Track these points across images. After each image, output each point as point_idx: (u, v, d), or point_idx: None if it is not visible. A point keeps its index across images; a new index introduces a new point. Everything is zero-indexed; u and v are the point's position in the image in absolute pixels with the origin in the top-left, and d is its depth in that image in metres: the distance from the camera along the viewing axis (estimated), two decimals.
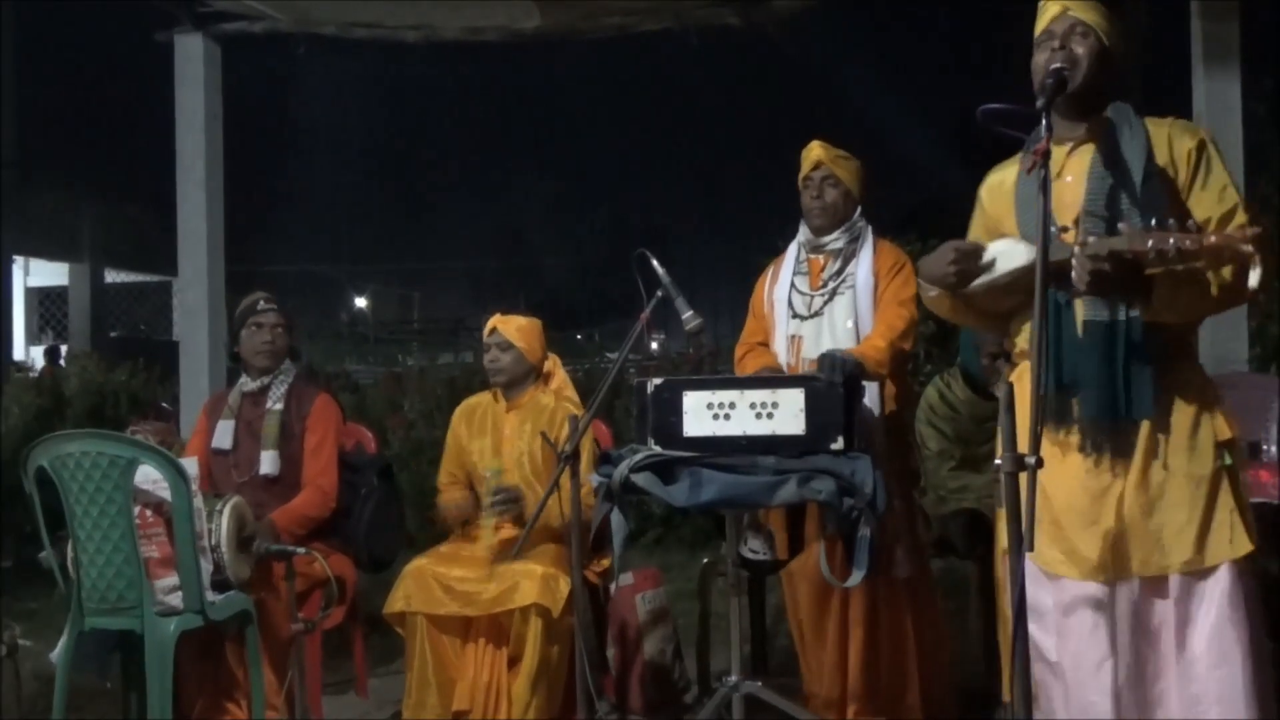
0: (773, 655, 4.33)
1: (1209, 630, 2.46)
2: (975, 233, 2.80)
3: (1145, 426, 2.50)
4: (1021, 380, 2.54)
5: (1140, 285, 2.39)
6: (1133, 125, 2.55)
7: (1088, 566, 2.51)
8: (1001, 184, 2.73)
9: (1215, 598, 2.47)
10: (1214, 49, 5.29)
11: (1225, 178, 2.53)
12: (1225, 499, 2.50)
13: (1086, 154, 2.58)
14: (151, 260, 17.13)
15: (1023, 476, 2.16)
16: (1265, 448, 3.84)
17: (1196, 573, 2.47)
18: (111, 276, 18.29)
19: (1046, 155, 2.32)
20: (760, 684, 3.46)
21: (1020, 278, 2.54)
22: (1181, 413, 2.52)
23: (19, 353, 15.28)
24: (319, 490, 4.03)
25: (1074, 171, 2.58)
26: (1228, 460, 2.52)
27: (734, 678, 3.42)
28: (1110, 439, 2.51)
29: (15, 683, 3.96)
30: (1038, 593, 2.55)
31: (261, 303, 4.18)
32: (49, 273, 18.29)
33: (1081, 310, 2.50)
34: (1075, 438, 2.55)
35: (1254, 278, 2.23)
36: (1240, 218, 2.48)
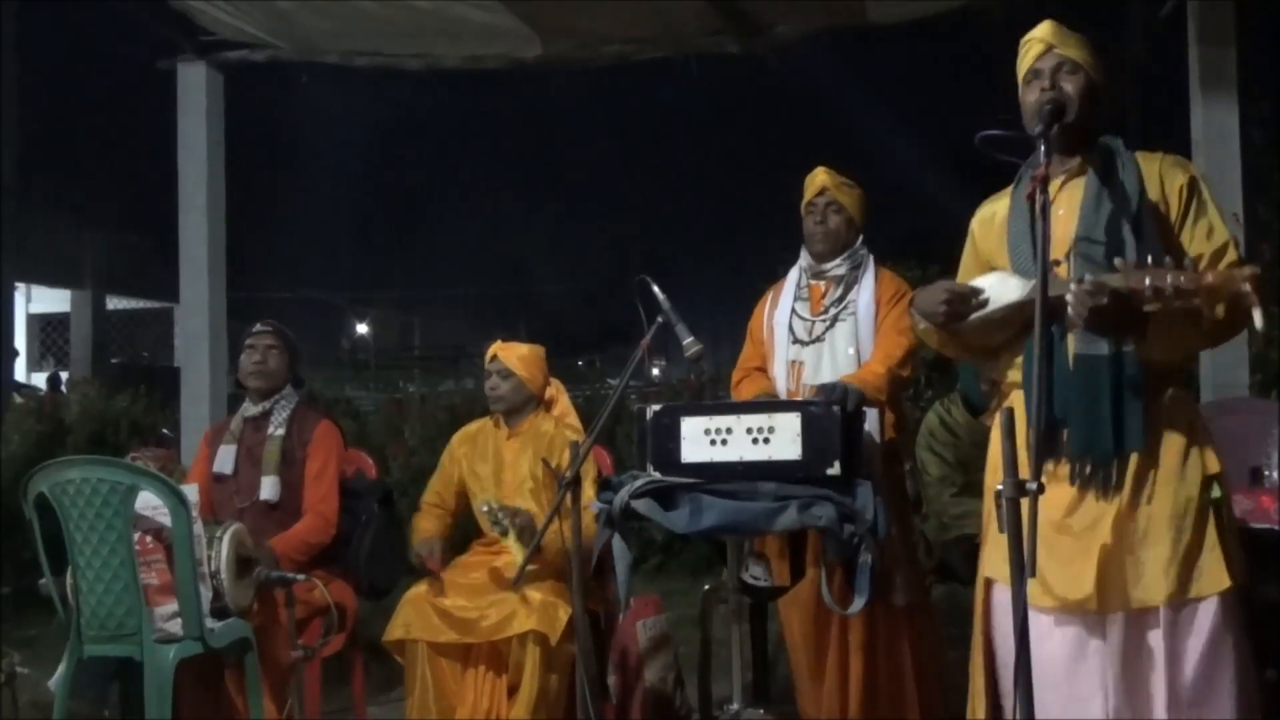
0: (775, 683, 4.31)
1: (1198, 662, 2.45)
2: (966, 265, 2.81)
3: (1134, 459, 2.50)
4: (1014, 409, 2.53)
5: (1136, 322, 2.39)
6: (1124, 160, 2.57)
7: (1075, 599, 2.50)
8: (993, 217, 2.74)
9: (1204, 630, 2.46)
10: (1211, 75, 5.30)
11: (1216, 215, 2.55)
12: (1211, 534, 2.49)
13: (1078, 188, 2.59)
14: (153, 287, 17.15)
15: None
16: (1267, 473, 3.83)
17: (1183, 605, 2.46)
18: (113, 303, 18.33)
19: (1046, 181, 2.33)
20: (762, 712, 3.45)
21: (1014, 313, 2.55)
22: (1170, 446, 2.52)
23: (20, 379, 15.27)
24: (320, 517, 4.03)
25: (1066, 205, 2.59)
26: (1216, 493, 2.51)
27: (735, 705, 3.40)
28: (1098, 472, 2.51)
29: (13, 711, 3.95)
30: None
31: (259, 325, 4.21)
32: (51, 299, 18.32)
33: (1073, 344, 2.51)
34: (1064, 469, 2.55)
35: (1258, 318, 2.23)
36: (1231, 254, 2.49)
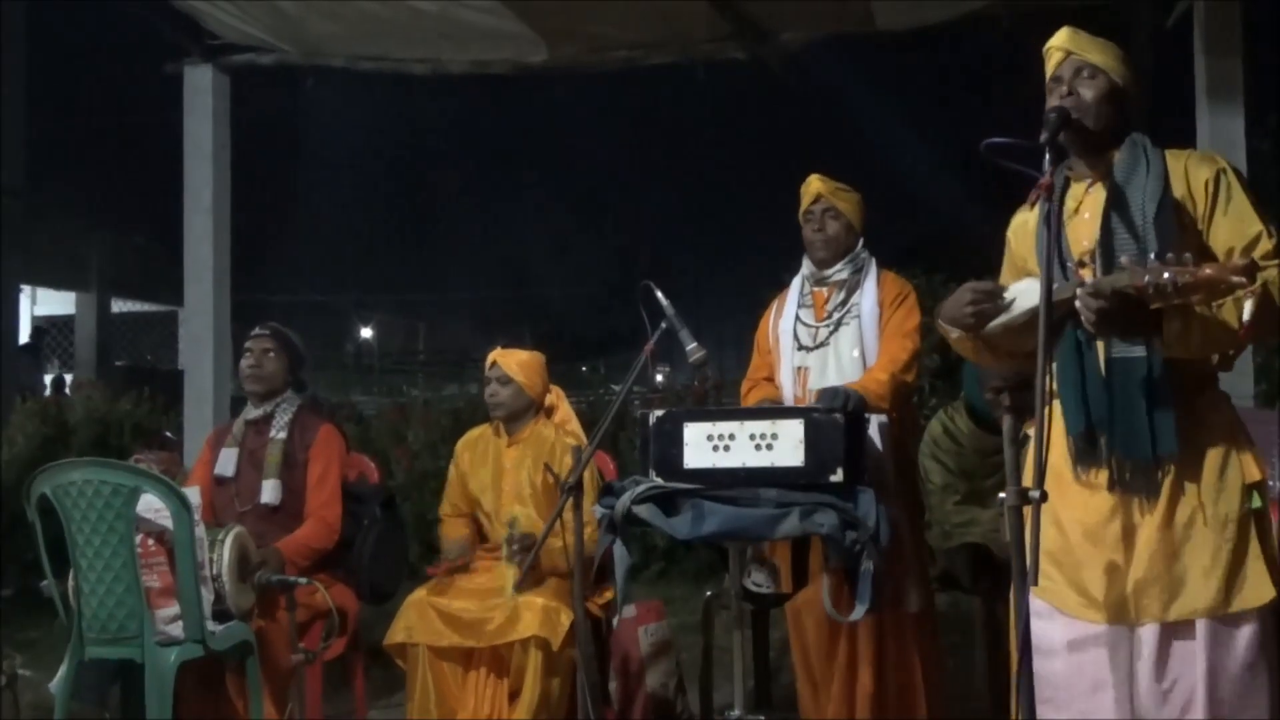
0: (776, 690, 4.31)
1: (1236, 676, 2.41)
2: (1006, 273, 2.78)
3: (1172, 467, 2.44)
4: (1052, 420, 2.49)
5: (1147, 321, 2.36)
6: (1150, 158, 2.51)
7: (1109, 608, 2.46)
8: (1025, 224, 2.71)
9: (1242, 643, 2.42)
10: (1218, 86, 5.30)
11: (1247, 205, 2.48)
12: (1253, 543, 2.44)
13: (1102, 190, 2.55)
14: (158, 290, 17.19)
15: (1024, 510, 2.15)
16: (1271, 484, 3.81)
17: (1223, 618, 2.42)
18: (118, 306, 18.35)
19: (1051, 190, 2.32)
20: (763, 718, 3.44)
21: (1037, 317, 2.53)
22: (1209, 453, 2.46)
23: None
24: (322, 522, 4.02)
25: (1090, 208, 2.56)
26: (1256, 502, 2.46)
27: (737, 712, 3.39)
28: (1137, 479, 2.46)
29: (14, 712, 3.95)
30: (1051, 632, 2.51)
31: (258, 329, 4.21)
32: (56, 302, 18.34)
33: (1104, 348, 2.47)
34: (1103, 477, 2.49)
35: (1247, 310, 2.19)
36: (1265, 244, 2.43)
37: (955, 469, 4.26)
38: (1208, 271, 2.16)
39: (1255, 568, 2.43)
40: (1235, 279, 2.15)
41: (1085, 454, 2.50)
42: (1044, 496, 2.13)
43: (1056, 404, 2.55)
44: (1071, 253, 2.54)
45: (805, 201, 3.89)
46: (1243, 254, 2.39)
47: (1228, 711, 2.41)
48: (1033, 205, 2.35)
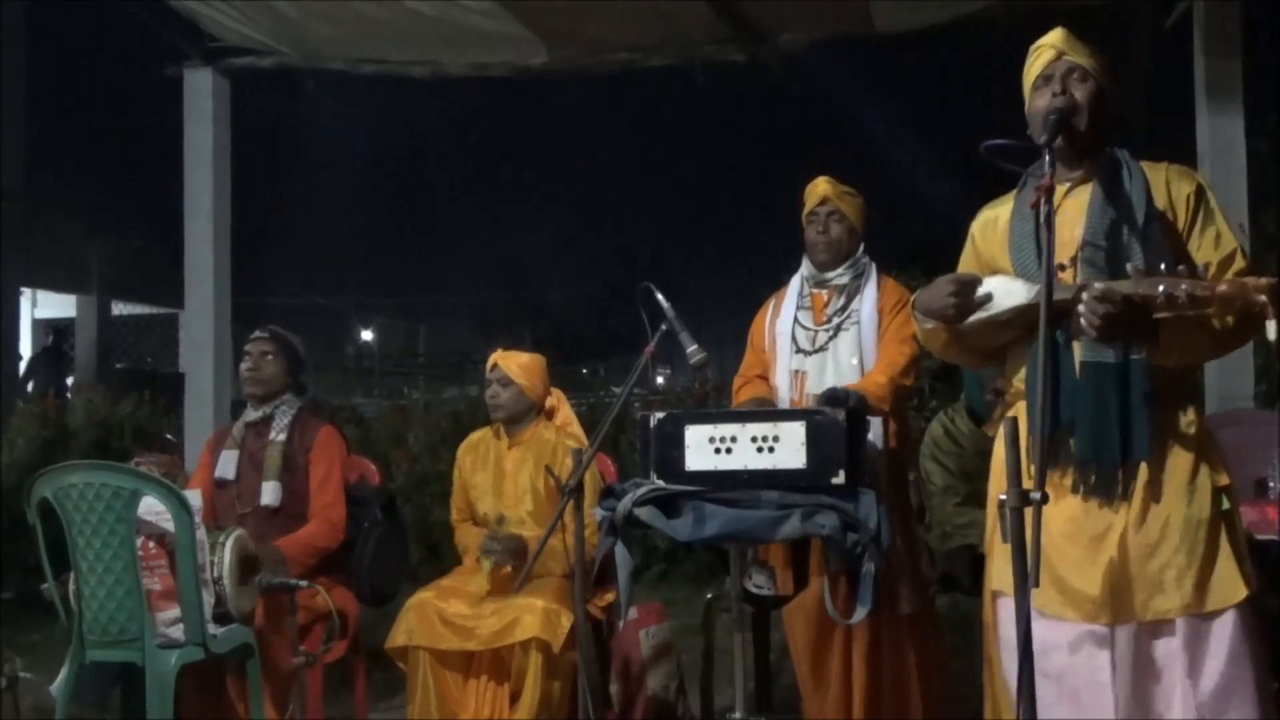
0: (777, 692, 4.30)
1: (1217, 673, 2.44)
2: (966, 268, 2.80)
3: (1144, 469, 2.48)
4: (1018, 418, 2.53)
5: (1147, 329, 2.39)
6: (1131, 168, 2.57)
7: (1086, 608, 2.50)
8: (995, 221, 2.73)
9: (1222, 641, 2.45)
10: (1217, 86, 5.30)
11: (1224, 223, 2.56)
12: (1224, 544, 2.48)
13: (1085, 193, 2.59)
14: (159, 293, 17.18)
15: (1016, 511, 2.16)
16: (1271, 485, 3.82)
17: (1201, 616, 2.45)
18: (118, 309, 18.34)
19: (1050, 191, 2.33)
20: None
21: (1020, 315, 2.55)
22: (1179, 456, 2.51)
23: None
24: (328, 522, 4.02)
25: (1071, 210, 2.58)
26: (1225, 505, 2.51)
27: (738, 714, 3.39)
28: (1106, 481, 2.50)
29: (15, 715, 3.94)
30: (1034, 635, 2.53)
31: (256, 331, 4.21)
32: (57, 304, 18.34)
33: (1079, 351, 2.50)
34: (1068, 479, 2.53)
35: (1272, 330, 2.22)
36: (1240, 262, 2.50)
37: (956, 471, 4.26)
38: (1225, 288, 2.21)
39: (1227, 567, 2.48)
40: (1259, 298, 2.19)
41: (1051, 455, 2.51)
42: (1045, 498, 2.14)
43: (1024, 404, 2.57)
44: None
45: (811, 203, 3.88)
46: (1219, 269, 2.47)
47: (1211, 709, 2.44)
48: (1033, 207, 2.36)
